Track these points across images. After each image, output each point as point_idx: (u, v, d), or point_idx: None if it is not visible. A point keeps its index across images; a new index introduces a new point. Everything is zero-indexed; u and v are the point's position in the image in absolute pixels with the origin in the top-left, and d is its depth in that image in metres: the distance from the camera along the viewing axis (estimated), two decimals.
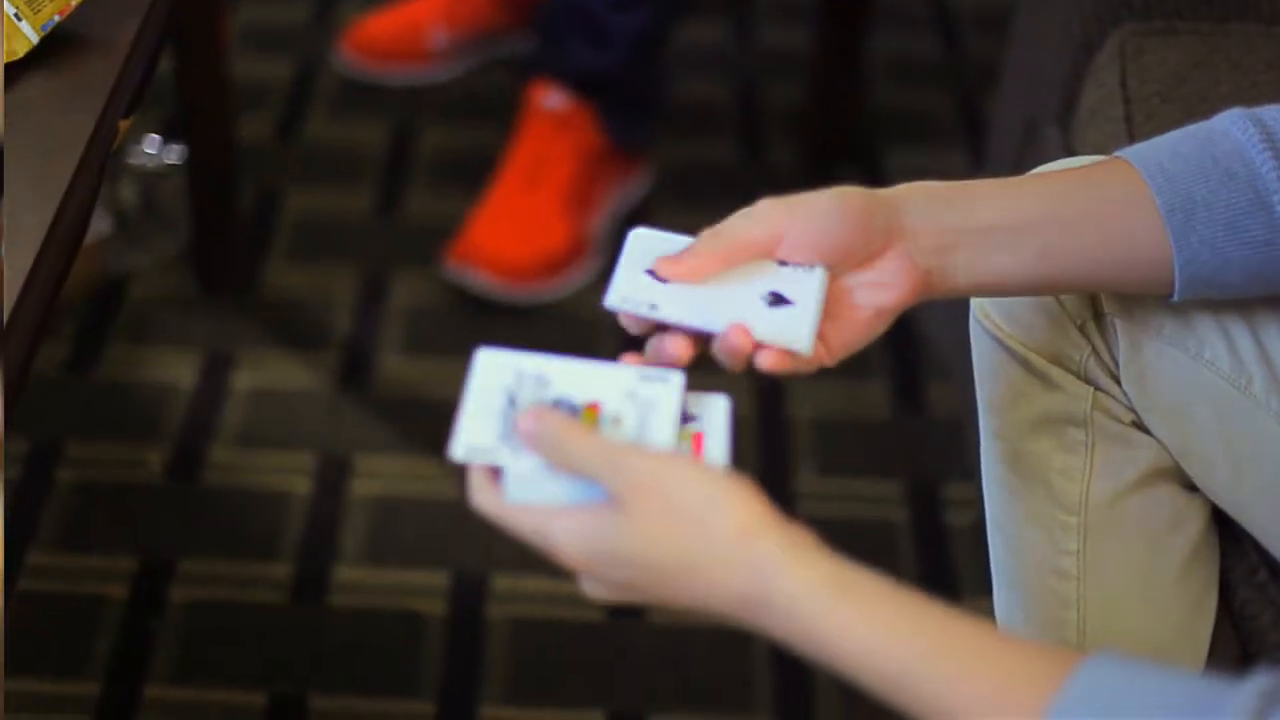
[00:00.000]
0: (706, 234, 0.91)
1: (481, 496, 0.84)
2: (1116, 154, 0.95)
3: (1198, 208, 0.91)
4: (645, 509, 0.80)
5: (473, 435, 0.85)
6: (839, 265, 0.92)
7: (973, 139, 2.20)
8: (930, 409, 1.85)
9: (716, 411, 0.88)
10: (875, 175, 2.15)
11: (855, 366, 1.02)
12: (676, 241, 0.93)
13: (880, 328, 0.94)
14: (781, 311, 0.90)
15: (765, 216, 0.91)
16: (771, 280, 0.91)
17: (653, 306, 0.90)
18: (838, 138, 2.18)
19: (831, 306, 0.91)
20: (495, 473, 0.84)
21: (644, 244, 0.93)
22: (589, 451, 0.82)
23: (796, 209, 0.92)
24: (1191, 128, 0.95)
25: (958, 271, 0.93)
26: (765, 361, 0.89)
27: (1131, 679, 0.73)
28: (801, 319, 0.90)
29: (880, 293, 0.92)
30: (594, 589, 0.84)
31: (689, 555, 0.80)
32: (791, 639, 0.79)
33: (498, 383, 0.87)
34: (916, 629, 0.77)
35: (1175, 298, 0.94)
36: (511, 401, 0.86)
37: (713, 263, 0.91)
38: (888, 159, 2.19)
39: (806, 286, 0.91)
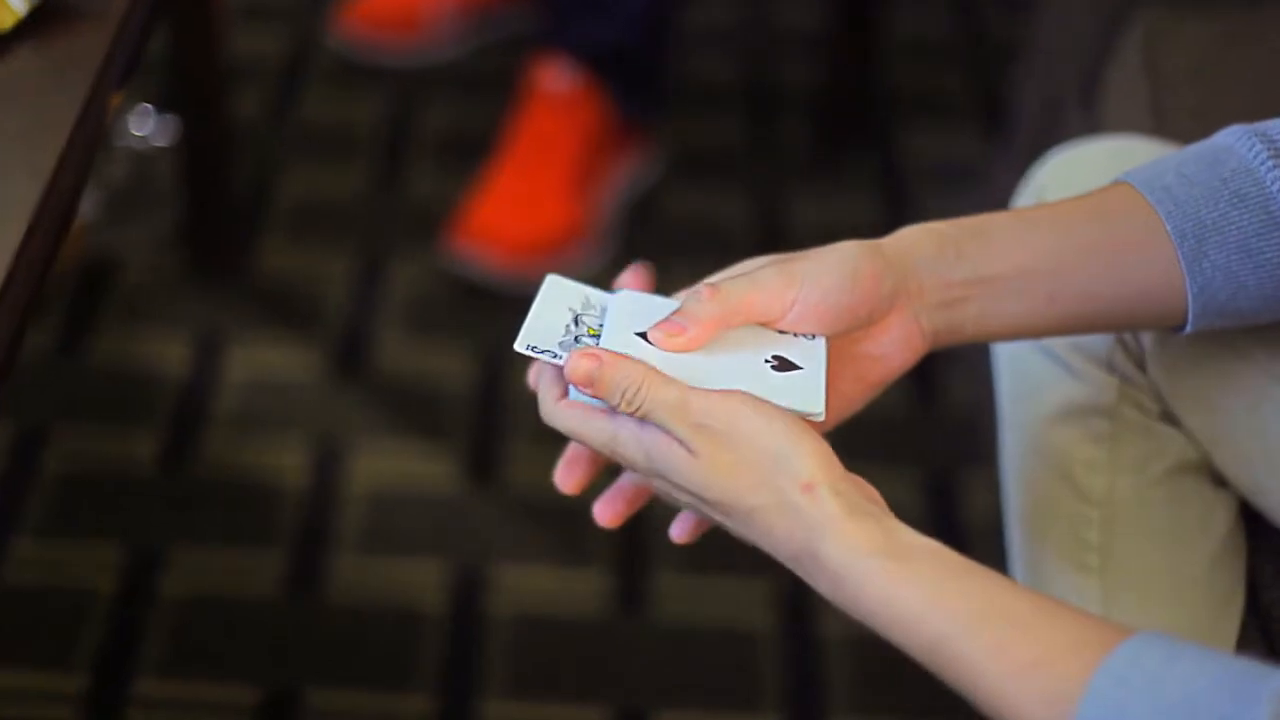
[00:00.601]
0: (705, 295, 0.88)
1: (552, 411, 0.87)
2: (1119, 178, 0.92)
3: (1209, 232, 0.89)
4: (713, 452, 0.82)
5: (536, 337, 0.87)
6: (842, 333, 0.90)
7: (990, 118, 2.19)
8: (946, 398, 1.83)
9: None
10: (890, 156, 2.14)
11: None
12: (662, 304, 0.90)
13: (873, 396, 0.93)
14: (789, 376, 0.87)
15: (769, 284, 0.88)
16: (773, 344, 0.88)
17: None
18: (852, 117, 2.16)
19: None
20: (565, 391, 0.87)
21: (629, 305, 0.91)
22: (660, 395, 0.83)
23: (803, 278, 0.88)
24: (1194, 147, 0.92)
25: (966, 324, 0.91)
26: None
27: (1172, 657, 0.73)
28: (812, 383, 0.87)
29: (877, 366, 0.91)
30: (661, 489, 0.87)
31: (752, 501, 0.82)
32: (838, 599, 0.81)
33: (564, 302, 0.90)
34: (959, 595, 0.78)
35: (1189, 328, 0.91)
36: (576, 320, 0.88)
37: (712, 331, 0.88)
38: (903, 139, 2.17)
39: (811, 351, 0.88)
